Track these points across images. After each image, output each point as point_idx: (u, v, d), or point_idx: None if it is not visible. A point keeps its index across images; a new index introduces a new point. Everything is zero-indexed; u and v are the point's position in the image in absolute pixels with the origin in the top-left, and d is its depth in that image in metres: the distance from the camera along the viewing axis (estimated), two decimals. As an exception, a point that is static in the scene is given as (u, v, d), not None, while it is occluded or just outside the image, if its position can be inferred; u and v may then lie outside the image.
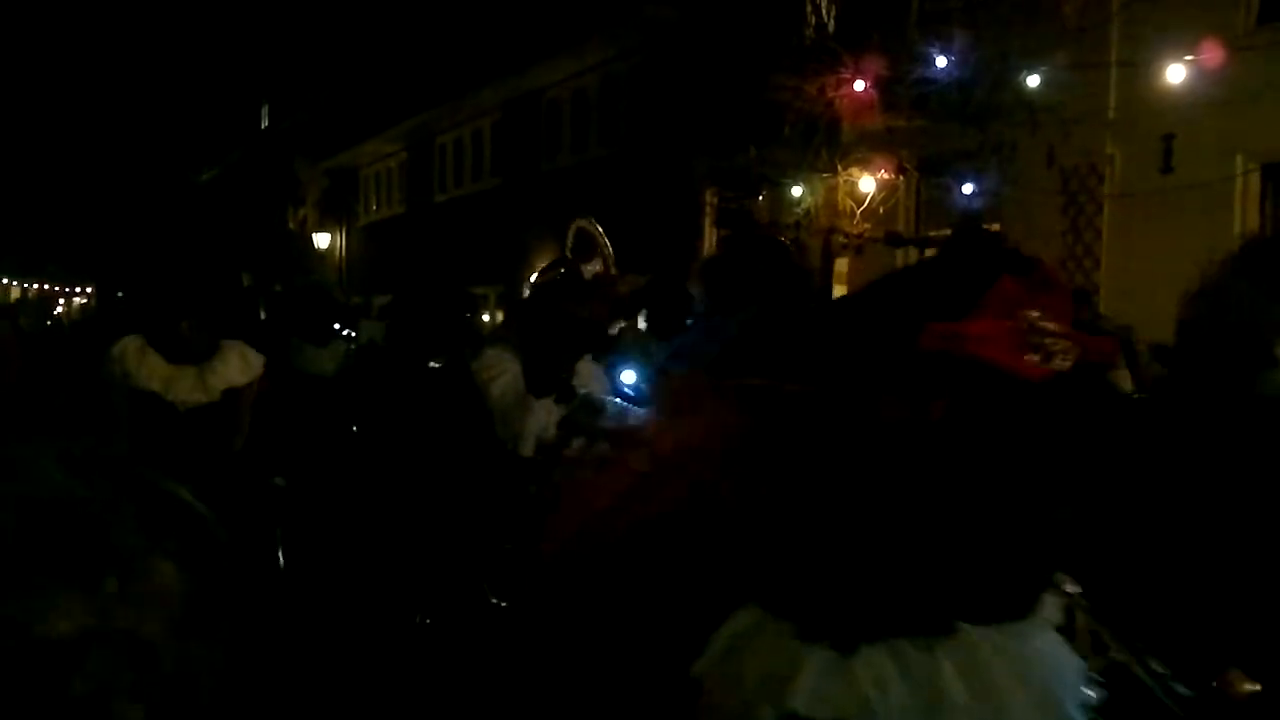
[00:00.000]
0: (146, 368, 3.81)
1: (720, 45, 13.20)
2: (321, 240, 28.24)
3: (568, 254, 3.72)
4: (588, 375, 3.72)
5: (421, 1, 23.48)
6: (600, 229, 3.74)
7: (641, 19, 16.28)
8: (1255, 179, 9.70)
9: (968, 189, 10.19)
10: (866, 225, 11.07)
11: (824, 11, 11.89)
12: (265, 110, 34.53)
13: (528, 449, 3.55)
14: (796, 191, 11.23)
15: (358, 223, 28.79)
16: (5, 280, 42.16)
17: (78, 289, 44.91)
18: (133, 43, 36.31)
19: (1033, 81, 9.66)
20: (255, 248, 27.91)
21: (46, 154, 37.57)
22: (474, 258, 20.35)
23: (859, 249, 11.10)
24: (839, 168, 10.95)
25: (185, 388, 3.86)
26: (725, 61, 12.67)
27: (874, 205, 11.07)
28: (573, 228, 3.77)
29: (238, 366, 4.00)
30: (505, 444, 3.59)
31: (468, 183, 23.63)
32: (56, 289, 44.30)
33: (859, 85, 10.20)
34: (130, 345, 3.87)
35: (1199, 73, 9.17)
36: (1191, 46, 9.19)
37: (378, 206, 28.23)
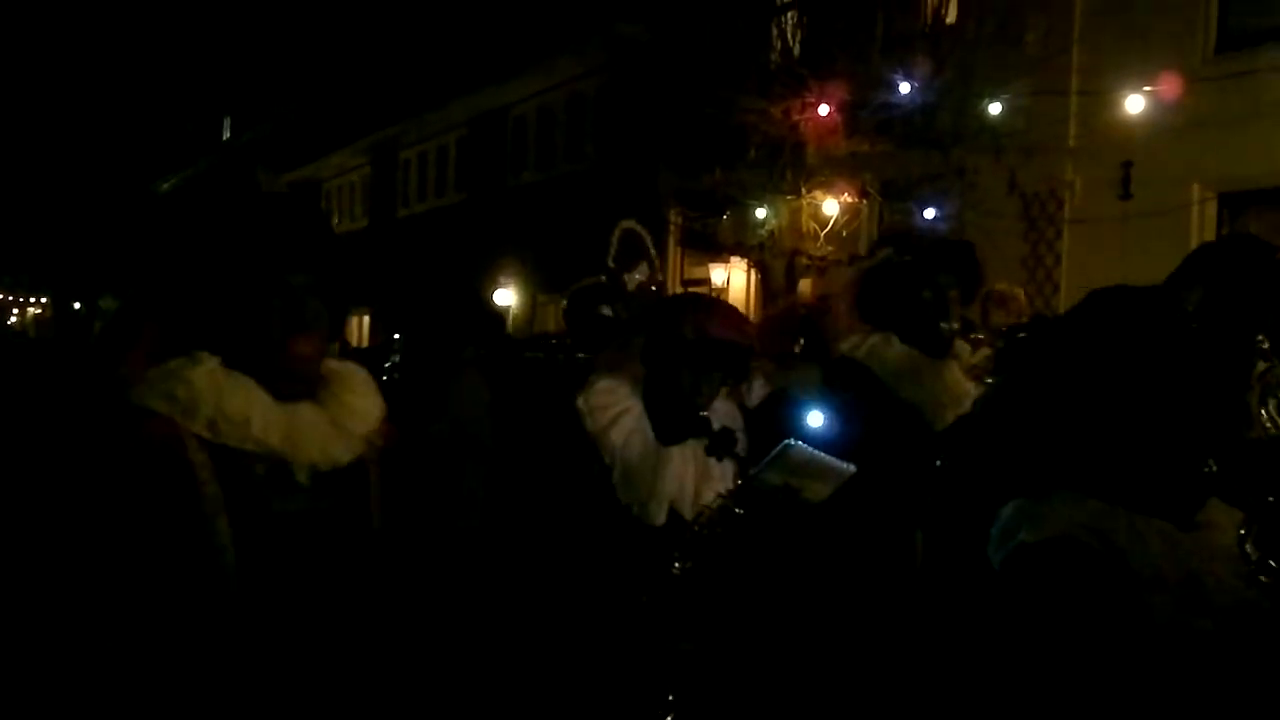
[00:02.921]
0: (258, 408, 1.89)
1: (687, 66, 13.24)
2: (283, 253, 27.99)
3: (611, 260, 3.15)
4: (727, 416, 2.86)
5: (387, 15, 23.42)
6: (646, 232, 3.24)
7: (609, 37, 16.32)
8: (1212, 206, 9.85)
9: (930, 213, 10.27)
10: (830, 248, 11.13)
11: (789, 36, 11.96)
12: (227, 121, 34.28)
13: (660, 515, 2.72)
14: (761, 213, 11.27)
15: (320, 236, 28.56)
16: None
17: (32, 299, 44.41)
18: (95, 53, 35.95)
19: (995, 109, 9.77)
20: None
21: (2, 164, 37.06)
22: (437, 273, 20.25)
23: (822, 271, 11.15)
24: (803, 190, 11.02)
25: (317, 437, 1.96)
26: (692, 82, 12.70)
27: (837, 228, 11.14)
28: (618, 229, 3.21)
29: (364, 394, 2.07)
30: (629, 509, 2.74)
31: (432, 198, 23.54)
32: (9, 299, 43.81)
33: (823, 109, 10.27)
34: (211, 371, 1.88)
35: (1157, 102, 9.31)
36: (1150, 76, 9.33)
37: (340, 220, 28.06)
